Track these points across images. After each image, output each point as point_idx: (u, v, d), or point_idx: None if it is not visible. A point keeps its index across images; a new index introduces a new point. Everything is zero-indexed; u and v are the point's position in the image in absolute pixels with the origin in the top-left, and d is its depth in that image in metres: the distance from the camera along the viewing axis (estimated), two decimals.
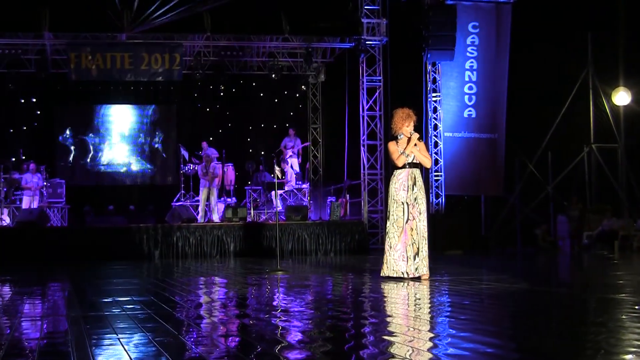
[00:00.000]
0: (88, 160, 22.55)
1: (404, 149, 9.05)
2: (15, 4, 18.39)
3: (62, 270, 13.21)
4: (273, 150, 20.44)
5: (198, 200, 19.13)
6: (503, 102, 20.01)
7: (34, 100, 22.14)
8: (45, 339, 4.88)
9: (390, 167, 9.38)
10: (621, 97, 20.44)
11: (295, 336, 4.81)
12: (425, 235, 9.03)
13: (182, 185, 20.35)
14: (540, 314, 5.98)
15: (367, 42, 19.39)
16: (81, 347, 4.41)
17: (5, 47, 18.88)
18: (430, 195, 19.24)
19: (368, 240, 18.58)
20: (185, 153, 20.11)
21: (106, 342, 4.63)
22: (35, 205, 18.89)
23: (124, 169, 22.82)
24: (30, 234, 17.07)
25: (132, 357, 4.04)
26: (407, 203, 9.04)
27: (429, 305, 6.53)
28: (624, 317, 5.43)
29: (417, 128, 9.26)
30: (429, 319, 5.60)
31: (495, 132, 20.00)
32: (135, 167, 22.91)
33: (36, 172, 19.20)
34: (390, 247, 9.01)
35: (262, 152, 21.91)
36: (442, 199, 19.65)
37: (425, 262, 8.97)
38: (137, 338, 4.78)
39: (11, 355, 4.18)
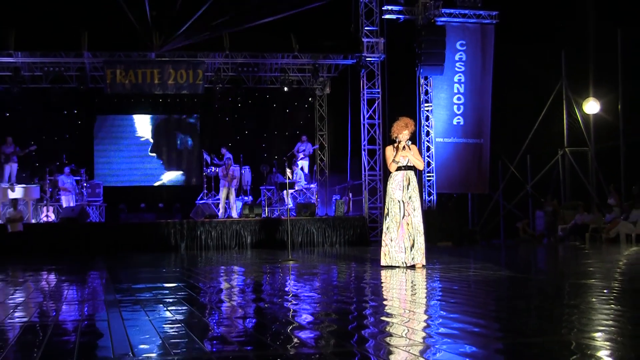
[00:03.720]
0: (122, 163, 22.59)
1: (394, 156, 9.11)
2: (57, 26, 18.48)
3: (100, 260, 13.25)
4: (285, 154, 20.42)
5: (219, 199, 19.15)
6: (488, 111, 20.03)
7: (75, 111, 22.20)
8: (85, 321, 4.89)
9: (387, 169, 9.40)
10: (591, 107, 20.44)
11: (305, 318, 4.81)
12: (421, 229, 9.05)
13: (205, 186, 20.39)
14: (520, 298, 5.97)
15: (367, 59, 19.41)
16: (117, 327, 4.43)
17: (49, 65, 19.01)
18: (424, 193, 19.25)
19: (368, 234, 18.60)
20: (207, 157, 20.13)
21: (139, 322, 4.64)
22: (72, 203, 18.92)
23: (154, 172, 22.84)
24: (72, 229, 17.14)
25: (162, 336, 4.05)
26: (402, 201, 9.07)
27: (423, 290, 6.53)
28: (594, 299, 5.42)
29: (412, 134, 9.28)
30: (422, 303, 5.60)
31: (481, 137, 20.01)
32: (163, 170, 22.92)
33: (70, 174, 19.25)
34: (392, 240, 9.05)
35: (275, 156, 21.92)
36: (434, 196, 19.66)
37: (421, 252, 9.00)
38: (166, 319, 4.79)
39: (56, 335, 4.20)
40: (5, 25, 18.22)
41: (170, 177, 22.96)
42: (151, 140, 22.85)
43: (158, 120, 22.93)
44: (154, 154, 22.85)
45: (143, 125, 22.87)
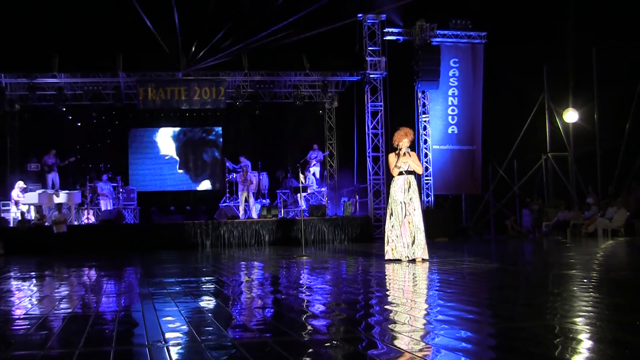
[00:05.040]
0: (153, 171, 22.65)
1: (396, 162, 9.13)
2: (96, 50, 18.63)
3: (135, 257, 13.28)
4: (298, 161, 20.43)
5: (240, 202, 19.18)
6: (479, 121, 20.01)
7: (112, 125, 22.31)
8: (122, 311, 4.91)
9: (390, 173, 9.41)
10: (570, 116, 20.37)
11: (317, 307, 4.81)
12: (421, 226, 9.07)
13: (227, 190, 20.41)
14: (509, 288, 5.96)
15: (370, 76, 19.42)
16: (150, 317, 4.44)
17: (89, 84, 19.13)
18: (423, 195, 19.22)
19: (373, 231, 18.58)
20: (229, 165, 20.16)
21: (169, 312, 4.65)
22: (109, 207, 19.03)
23: (182, 178, 22.90)
24: (110, 230, 17.20)
25: (190, 325, 4.06)
26: (404, 202, 9.08)
27: (423, 281, 6.52)
28: (575, 288, 5.40)
29: (411, 142, 9.28)
30: (422, 293, 5.59)
31: (474, 144, 19.99)
32: (190, 176, 22.98)
33: (107, 181, 19.39)
34: (397, 237, 9.06)
35: (290, 163, 21.94)
36: (431, 197, 19.63)
37: (421, 247, 9.04)
38: (193, 309, 4.80)
39: (97, 324, 4.21)
40: (50, 50, 18.40)
41: (197, 183, 23.03)
42: (179, 150, 22.91)
43: (185, 132, 23.01)
44: (181, 163, 22.93)
45: (171, 137, 22.96)
